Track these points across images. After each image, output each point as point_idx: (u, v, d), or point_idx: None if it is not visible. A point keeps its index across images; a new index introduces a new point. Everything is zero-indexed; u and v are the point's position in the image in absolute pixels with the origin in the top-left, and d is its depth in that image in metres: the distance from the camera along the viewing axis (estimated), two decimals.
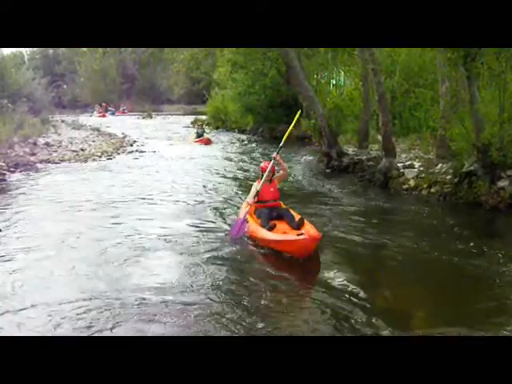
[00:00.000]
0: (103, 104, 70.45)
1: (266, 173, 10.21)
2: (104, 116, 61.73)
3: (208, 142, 28.92)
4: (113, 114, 67.25)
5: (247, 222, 9.69)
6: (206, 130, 33.94)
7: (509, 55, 12.58)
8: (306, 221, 9.38)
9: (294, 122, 11.37)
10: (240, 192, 14.38)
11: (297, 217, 9.60)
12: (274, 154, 10.48)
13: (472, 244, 9.41)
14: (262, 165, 10.62)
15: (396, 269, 8.53)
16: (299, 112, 12.22)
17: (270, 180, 10.42)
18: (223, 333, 5.99)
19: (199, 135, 30.26)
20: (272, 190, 10.37)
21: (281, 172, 10.83)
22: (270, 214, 9.84)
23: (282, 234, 9.02)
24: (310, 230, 8.94)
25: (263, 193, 10.24)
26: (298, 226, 9.20)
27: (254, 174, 17.47)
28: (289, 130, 11.19)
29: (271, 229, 9.21)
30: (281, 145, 10.96)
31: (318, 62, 30.25)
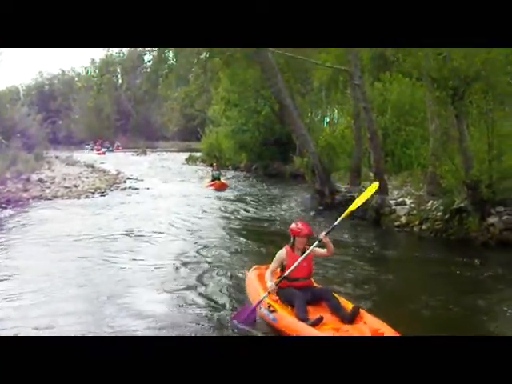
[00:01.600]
0: (99, 140, 70.49)
1: (301, 239, 7.47)
2: (103, 153, 60.91)
3: (222, 187, 25.21)
4: (111, 150, 66.99)
5: (273, 311, 7.06)
6: (222, 172, 29.96)
7: (496, 94, 12.79)
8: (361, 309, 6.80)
9: (366, 194, 8.34)
10: (242, 240, 13.34)
11: (346, 304, 7.03)
12: (322, 235, 7.37)
13: (462, 281, 9.45)
14: (292, 226, 7.58)
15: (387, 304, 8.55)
16: (375, 186, 8.65)
17: (304, 250, 7.42)
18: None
19: (214, 178, 26.69)
20: (305, 264, 7.38)
21: (324, 250, 7.59)
22: (304, 297, 7.09)
23: (333, 330, 6.36)
24: (372, 323, 6.41)
25: (292, 265, 7.35)
26: (353, 318, 6.58)
27: (251, 216, 17.49)
28: (354, 205, 8.20)
29: (316, 324, 6.45)
30: (336, 223, 7.60)
31: (312, 100, 30.60)
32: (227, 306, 8.22)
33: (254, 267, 8.86)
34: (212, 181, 26.43)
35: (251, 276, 8.56)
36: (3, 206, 17.88)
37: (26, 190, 21.57)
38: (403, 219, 14.72)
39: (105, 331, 7.11)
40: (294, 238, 7.46)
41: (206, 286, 9.25)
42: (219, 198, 21.91)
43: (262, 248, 12.22)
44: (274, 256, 7.61)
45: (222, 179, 26.98)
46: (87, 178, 29.10)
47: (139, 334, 6.90)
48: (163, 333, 6.95)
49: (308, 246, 7.42)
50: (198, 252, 11.79)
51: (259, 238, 13.58)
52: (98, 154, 60.47)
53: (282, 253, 7.49)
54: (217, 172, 27.28)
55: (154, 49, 19.14)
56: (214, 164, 29.25)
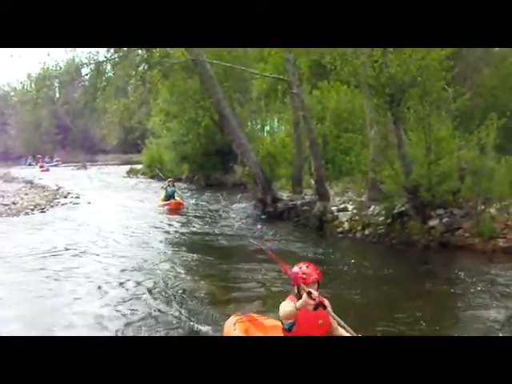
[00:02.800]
0: (38, 156, 68.53)
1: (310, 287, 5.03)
2: (46, 170, 56.03)
3: (178, 207, 21.60)
4: (55, 165, 63.95)
5: None
6: (177, 189, 24.21)
7: (431, 99, 13.06)
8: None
9: None
10: (189, 255, 12.93)
11: None
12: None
13: (404, 285, 9.58)
14: (295, 270, 5.27)
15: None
16: None
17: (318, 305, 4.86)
18: None
19: (169, 195, 22.61)
20: (321, 322, 5.27)
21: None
22: None
23: None
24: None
25: (305, 325, 5.22)
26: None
27: (195, 230, 17.35)
28: None
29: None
30: None
31: (251, 110, 30.66)
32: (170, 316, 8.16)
33: (236, 317, 6.75)
34: (166, 199, 22.49)
35: (232, 329, 6.44)
36: None
37: None
38: (346, 225, 14.86)
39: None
40: (298, 288, 5.14)
41: (150, 299, 9.16)
42: (162, 211, 21.59)
43: (210, 263, 12.12)
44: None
45: (177, 197, 22.85)
46: (26, 194, 28.43)
47: None
48: None
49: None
50: (139, 268, 11.63)
51: (205, 252, 13.36)
52: (43, 171, 55.19)
53: (287, 308, 5.09)
54: (172, 188, 23.05)
55: (91, 61, 18.81)
56: (170, 179, 24.30)
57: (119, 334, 7.52)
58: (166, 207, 21.84)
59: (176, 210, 21.31)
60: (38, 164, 61.94)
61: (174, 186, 23.33)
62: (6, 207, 22.47)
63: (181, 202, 22.24)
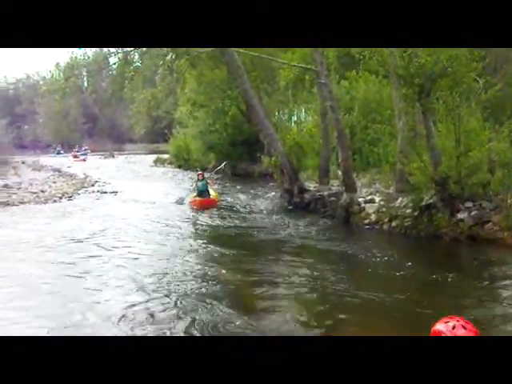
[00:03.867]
0: (72, 146, 67.74)
1: None
2: (83, 160, 52.29)
3: (210, 204, 19.30)
4: (84, 154, 59.62)
5: None
6: (209, 180, 21.26)
7: (461, 90, 12.87)
8: None
9: None
10: (216, 248, 12.70)
11: None
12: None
13: (433, 277, 9.46)
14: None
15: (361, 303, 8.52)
16: None
17: None
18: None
19: (200, 191, 19.78)
20: None
21: None
22: None
23: None
24: None
25: None
26: None
27: (224, 223, 17.13)
28: None
29: None
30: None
31: (279, 100, 30.57)
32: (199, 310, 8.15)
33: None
34: (198, 195, 19.70)
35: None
36: None
37: None
38: (373, 217, 14.74)
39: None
40: None
41: (181, 294, 9.15)
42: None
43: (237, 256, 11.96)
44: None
45: (212, 191, 20.34)
46: (54, 182, 28.72)
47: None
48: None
49: None
50: (167, 260, 11.63)
51: (232, 244, 13.26)
52: (76, 160, 52.01)
53: None
54: (202, 182, 20.02)
55: (119, 50, 18.84)
56: (199, 172, 21.36)
57: (143, 330, 7.54)
58: (197, 205, 19.17)
59: (208, 207, 18.95)
60: (71, 153, 58.55)
61: (203, 178, 20.27)
62: (35, 195, 22.71)
63: (213, 198, 19.78)
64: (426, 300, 8.50)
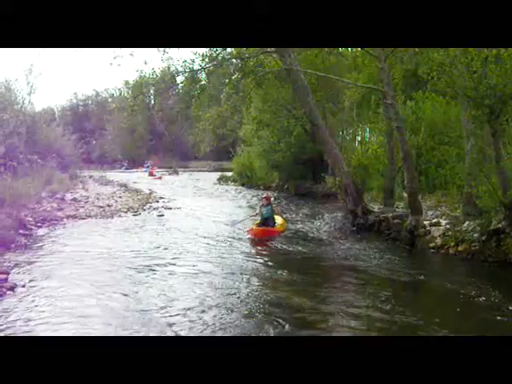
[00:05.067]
0: (150, 161, 68.98)
1: None
2: (159, 178, 51.47)
3: (272, 234, 16.85)
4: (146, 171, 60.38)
5: None
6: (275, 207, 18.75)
7: None
8: None
9: None
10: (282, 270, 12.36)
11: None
12: None
13: (502, 307, 9.20)
14: None
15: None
16: None
17: None
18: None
19: (264, 218, 17.41)
20: None
21: None
22: None
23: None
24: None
25: None
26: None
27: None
28: None
29: None
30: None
31: (343, 119, 30.48)
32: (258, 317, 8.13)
33: None
34: (262, 222, 17.34)
35: None
36: (38, 224, 18.02)
37: (60, 209, 21.75)
38: (438, 240, 14.44)
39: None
40: None
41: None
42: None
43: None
44: None
45: (279, 218, 18.32)
46: (120, 197, 29.29)
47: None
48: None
49: None
50: (230, 279, 11.59)
51: (295, 265, 13.19)
52: (154, 178, 51.16)
53: None
54: (267, 208, 17.60)
55: (186, 69, 19.13)
56: (264, 195, 19.51)
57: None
58: (256, 235, 16.55)
59: (268, 237, 16.45)
60: (148, 169, 59.00)
61: (269, 202, 17.82)
62: (101, 209, 23.20)
63: (276, 229, 17.36)
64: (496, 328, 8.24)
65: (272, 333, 7.78)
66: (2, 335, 6.98)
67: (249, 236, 16.68)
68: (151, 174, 54.44)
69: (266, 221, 17.32)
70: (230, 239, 16.55)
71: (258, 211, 18.11)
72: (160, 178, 51.67)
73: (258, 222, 17.52)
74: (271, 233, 16.89)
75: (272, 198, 20.23)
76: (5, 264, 12.02)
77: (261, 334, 7.75)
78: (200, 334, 7.49)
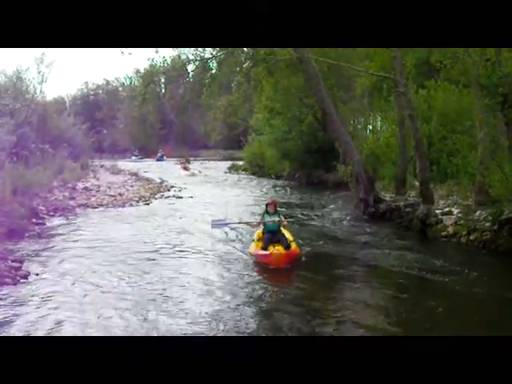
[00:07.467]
0: (158, 151, 68.73)
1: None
2: (192, 174, 40.86)
3: (293, 258, 11.68)
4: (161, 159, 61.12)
5: None
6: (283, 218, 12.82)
7: None
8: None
9: None
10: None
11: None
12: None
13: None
14: None
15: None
16: None
17: None
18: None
19: (269, 231, 12.30)
20: None
21: None
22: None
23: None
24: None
25: None
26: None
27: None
28: None
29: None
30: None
31: (354, 108, 30.35)
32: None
33: None
34: (269, 239, 11.98)
35: None
36: (51, 213, 18.11)
37: (72, 198, 21.86)
38: (450, 229, 14.39)
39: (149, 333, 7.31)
40: None
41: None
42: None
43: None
44: None
45: (287, 233, 12.69)
46: (131, 186, 29.40)
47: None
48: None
49: None
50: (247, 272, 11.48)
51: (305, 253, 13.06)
52: (188, 175, 40.41)
53: None
54: (274, 216, 12.46)
55: (197, 58, 19.09)
56: (270, 199, 13.93)
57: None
58: (273, 262, 11.47)
59: (277, 264, 11.40)
60: (181, 164, 48.39)
61: (276, 211, 12.64)
62: (113, 198, 23.29)
63: (296, 249, 12.15)
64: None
65: (284, 331, 7.77)
66: (3, 335, 7.00)
67: (262, 261, 11.83)
68: (185, 169, 44.14)
69: (275, 236, 12.18)
70: (240, 229, 16.50)
71: (259, 219, 13.17)
72: (194, 174, 41.46)
73: (259, 235, 12.75)
74: (294, 256, 11.90)
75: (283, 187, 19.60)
76: (18, 252, 12.10)
77: (263, 334, 7.77)
78: (204, 333, 7.50)
